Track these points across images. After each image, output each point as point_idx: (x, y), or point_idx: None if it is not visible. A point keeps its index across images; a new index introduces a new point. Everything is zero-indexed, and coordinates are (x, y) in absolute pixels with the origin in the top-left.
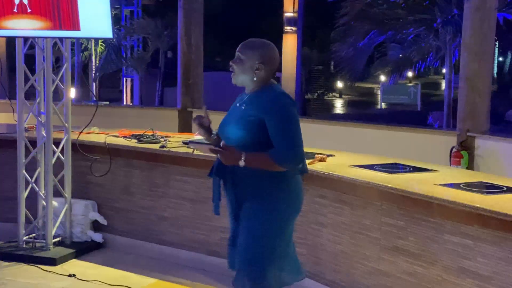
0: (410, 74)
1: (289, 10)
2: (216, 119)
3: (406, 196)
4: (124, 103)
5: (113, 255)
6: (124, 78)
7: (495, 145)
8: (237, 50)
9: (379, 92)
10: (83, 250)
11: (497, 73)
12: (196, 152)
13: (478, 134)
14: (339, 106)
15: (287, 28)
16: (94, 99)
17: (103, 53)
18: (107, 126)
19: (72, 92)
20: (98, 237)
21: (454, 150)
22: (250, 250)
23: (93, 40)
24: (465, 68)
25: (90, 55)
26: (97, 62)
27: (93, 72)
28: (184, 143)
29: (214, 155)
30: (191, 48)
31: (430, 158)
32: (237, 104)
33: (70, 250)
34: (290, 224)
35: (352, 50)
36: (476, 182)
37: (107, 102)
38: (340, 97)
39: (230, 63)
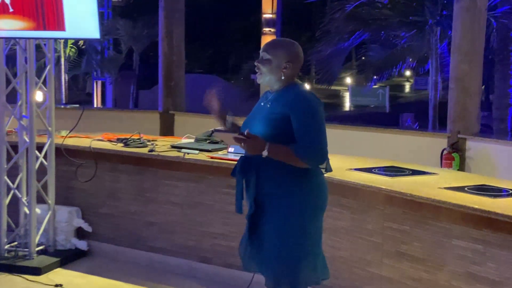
0: (374, 76)
1: (268, 11)
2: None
3: (411, 200)
4: (95, 106)
5: (99, 263)
6: (95, 81)
7: (486, 147)
8: (261, 50)
9: (345, 95)
10: (68, 258)
11: None
12: (187, 156)
13: (469, 136)
14: None
15: (266, 29)
16: (64, 102)
17: (74, 55)
18: (84, 129)
19: (39, 95)
20: (82, 244)
21: (445, 152)
22: (278, 251)
23: (62, 41)
24: (456, 69)
25: (59, 56)
26: (65, 63)
27: (63, 73)
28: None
29: (237, 144)
30: (173, 49)
31: (420, 160)
32: (262, 103)
33: (55, 259)
34: (315, 223)
35: (327, 53)
36: (480, 185)
37: (77, 105)
38: None
39: (256, 63)
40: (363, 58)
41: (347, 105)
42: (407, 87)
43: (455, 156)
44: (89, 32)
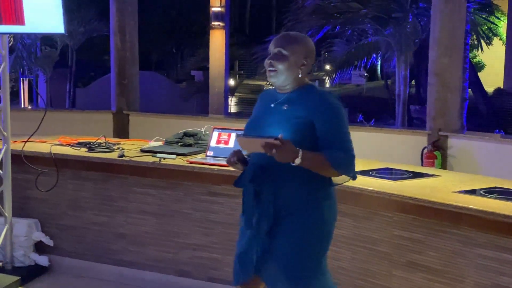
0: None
1: (216, 4)
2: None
3: (425, 206)
4: (22, 106)
5: (63, 280)
6: (21, 79)
7: (469, 144)
8: (275, 46)
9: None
10: (29, 276)
11: None
12: (163, 161)
13: (451, 133)
14: (232, 104)
15: (215, 23)
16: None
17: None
18: (28, 132)
19: None
20: (43, 260)
21: (426, 150)
22: (298, 267)
23: None
24: (435, 63)
25: None
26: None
27: None
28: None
29: (262, 151)
30: (126, 44)
31: (400, 159)
32: (272, 105)
33: (14, 278)
34: (332, 235)
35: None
36: (492, 187)
37: None
38: (232, 95)
39: (269, 60)
40: (327, 54)
41: None
42: (327, 81)
43: (437, 154)
44: (52, 27)
